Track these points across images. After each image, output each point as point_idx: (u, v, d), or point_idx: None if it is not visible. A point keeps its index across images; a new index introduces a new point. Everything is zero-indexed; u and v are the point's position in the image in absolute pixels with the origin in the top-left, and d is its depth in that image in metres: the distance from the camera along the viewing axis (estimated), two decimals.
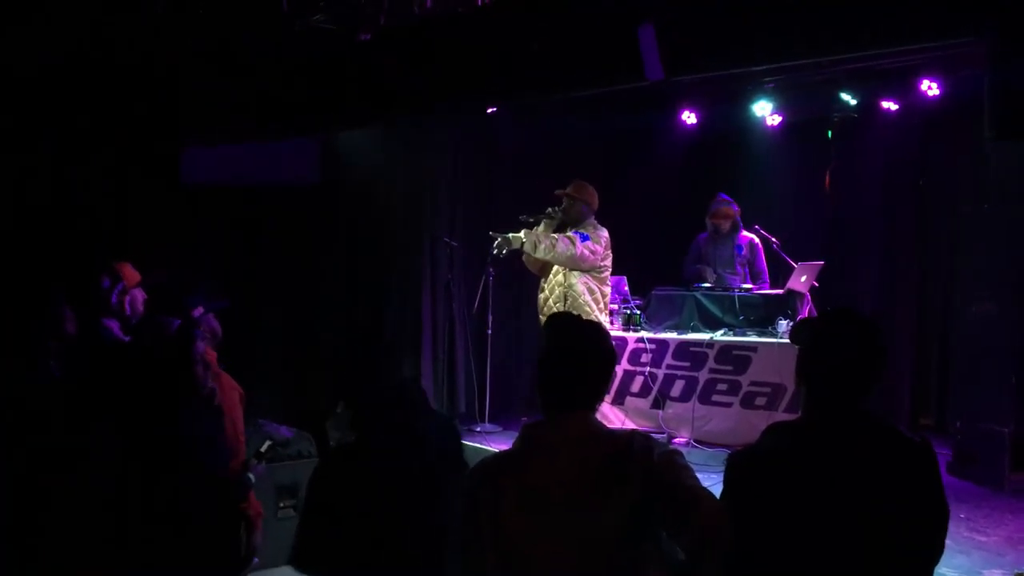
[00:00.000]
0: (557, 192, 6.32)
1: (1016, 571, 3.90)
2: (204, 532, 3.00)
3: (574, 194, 6.23)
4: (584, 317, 5.80)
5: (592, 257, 6.13)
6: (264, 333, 7.31)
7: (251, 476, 3.46)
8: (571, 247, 6.05)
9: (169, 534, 2.88)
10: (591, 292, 6.17)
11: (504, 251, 6.24)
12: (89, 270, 4.46)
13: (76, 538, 2.88)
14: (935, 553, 2.18)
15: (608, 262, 6.35)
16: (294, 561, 2.89)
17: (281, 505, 4.72)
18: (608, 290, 6.42)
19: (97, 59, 5.84)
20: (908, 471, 2.15)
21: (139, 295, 4.49)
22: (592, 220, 6.30)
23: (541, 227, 6.31)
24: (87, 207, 6.20)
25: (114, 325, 4.40)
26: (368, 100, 6.28)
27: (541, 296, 6.38)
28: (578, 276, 6.16)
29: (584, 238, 6.11)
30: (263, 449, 3.62)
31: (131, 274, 4.50)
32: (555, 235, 6.14)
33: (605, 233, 6.28)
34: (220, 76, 6.20)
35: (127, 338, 4.29)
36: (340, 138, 7.53)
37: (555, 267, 6.28)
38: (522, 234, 6.16)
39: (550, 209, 6.35)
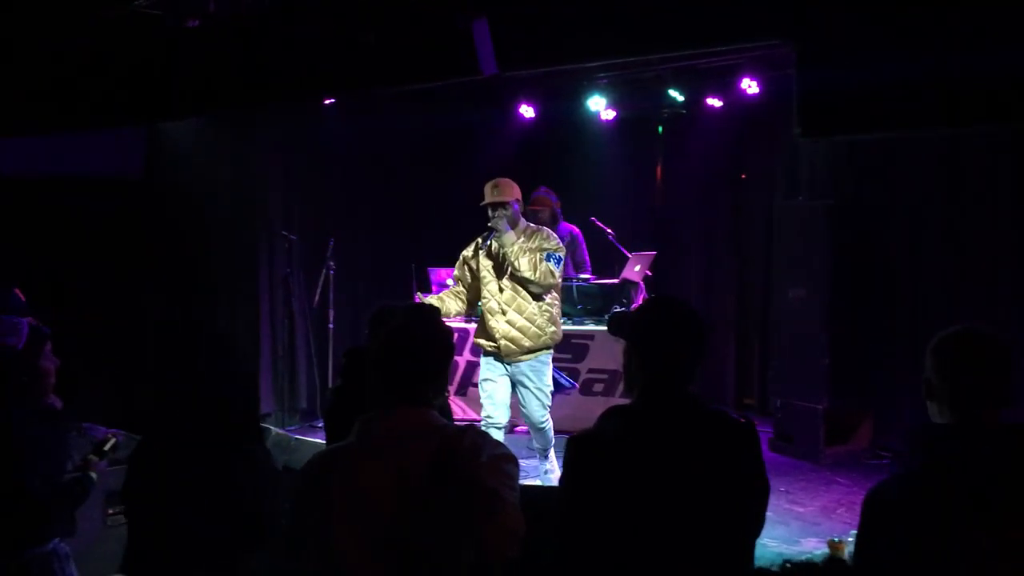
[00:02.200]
0: (482, 204, 5.70)
1: (830, 538, 4.18)
2: None
3: (501, 199, 5.63)
4: (547, 321, 5.61)
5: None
6: (85, 333, 6.90)
7: (93, 475, 3.27)
8: (552, 278, 5.55)
9: None
10: (554, 304, 5.73)
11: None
12: None
13: None
14: (757, 527, 2.32)
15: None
16: (126, 570, 2.77)
17: (110, 512, 4.46)
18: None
19: None
20: (733, 451, 2.27)
21: None
22: (532, 224, 5.86)
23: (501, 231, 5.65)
24: None
25: None
26: (194, 91, 6.03)
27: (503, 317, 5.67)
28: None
29: (558, 262, 5.62)
30: (107, 447, 3.40)
31: None
32: (537, 256, 5.53)
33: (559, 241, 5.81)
34: (22, 61, 5.79)
35: None
36: (167, 130, 7.18)
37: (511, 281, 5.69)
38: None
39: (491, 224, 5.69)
